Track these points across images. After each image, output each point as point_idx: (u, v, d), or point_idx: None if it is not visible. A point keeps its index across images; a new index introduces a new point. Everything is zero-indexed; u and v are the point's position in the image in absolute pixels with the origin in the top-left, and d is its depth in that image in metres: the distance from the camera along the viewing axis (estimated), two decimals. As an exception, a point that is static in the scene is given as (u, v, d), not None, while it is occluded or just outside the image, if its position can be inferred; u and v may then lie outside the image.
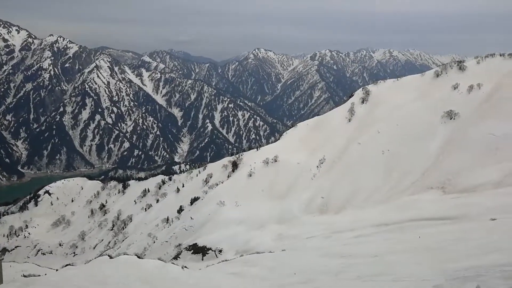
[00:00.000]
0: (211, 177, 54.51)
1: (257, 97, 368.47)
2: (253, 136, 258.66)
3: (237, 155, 54.97)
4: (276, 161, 44.53)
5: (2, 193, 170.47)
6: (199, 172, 62.20)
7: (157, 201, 63.77)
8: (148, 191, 69.79)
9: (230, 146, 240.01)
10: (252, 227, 34.35)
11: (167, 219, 48.87)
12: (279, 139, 56.09)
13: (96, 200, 79.97)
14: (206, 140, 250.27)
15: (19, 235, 74.10)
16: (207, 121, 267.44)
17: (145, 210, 62.77)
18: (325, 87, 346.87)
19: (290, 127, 56.76)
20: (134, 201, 69.56)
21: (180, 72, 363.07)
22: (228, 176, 49.12)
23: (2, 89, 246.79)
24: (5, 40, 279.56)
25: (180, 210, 48.89)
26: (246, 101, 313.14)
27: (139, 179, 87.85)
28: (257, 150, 53.43)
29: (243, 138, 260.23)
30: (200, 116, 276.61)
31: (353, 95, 51.91)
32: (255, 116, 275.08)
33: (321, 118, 52.99)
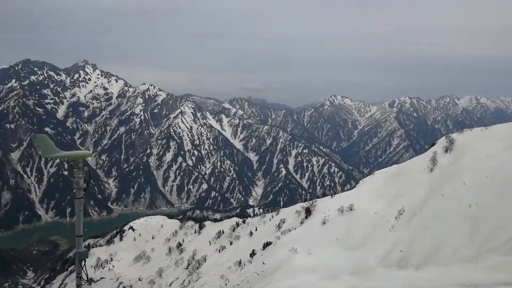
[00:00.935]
0: (283, 222, 54.26)
1: (332, 144, 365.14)
2: (328, 182, 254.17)
3: (310, 202, 54.36)
4: (351, 209, 43.32)
5: (93, 227, 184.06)
6: (272, 217, 62.27)
7: (231, 243, 64.59)
8: (223, 232, 71.01)
9: (303, 192, 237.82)
10: (325, 277, 33.27)
11: (240, 262, 49.16)
12: (355, 186, 54.70)
13: (174, 239, 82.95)
14: (280, 185, 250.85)
15: (104, 267, 78.80)
16: (281, 166, 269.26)
17: (219, 252, 63.77)
18: (405, 134, 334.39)
19: (367, 175, 55.27)
20: (209, 241, 71.05)
21: (257, 118, 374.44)
22: (301, 223, 48.56)
23: (100, 132, 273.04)
24: (105, 89, 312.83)
25: (253, 254, 49.00)
26: (321, 147, 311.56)
27: (215, 220, 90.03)
28: (332, 197, 52.48)
29: (317, 184, 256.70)
30: (275, 160, 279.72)
31: (435, 143, 49.49)
32: (330, 162, 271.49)
33: (401, 167, 50.95)
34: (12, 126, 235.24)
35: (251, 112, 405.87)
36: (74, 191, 9.92)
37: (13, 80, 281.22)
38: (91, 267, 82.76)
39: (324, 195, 67.82)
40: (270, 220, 61.69)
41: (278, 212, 63.92)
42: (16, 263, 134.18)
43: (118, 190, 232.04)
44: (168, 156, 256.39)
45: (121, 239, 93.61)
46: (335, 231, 40.54)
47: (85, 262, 10.39)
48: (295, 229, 47.36)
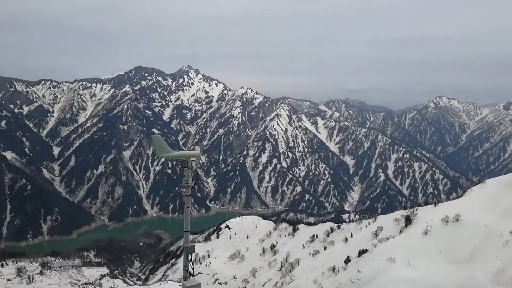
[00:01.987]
0: (381, 230, 51.74)
1: (437, 148, 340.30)
2: (430, 190, 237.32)
3: (411, 209, 51.10)
4: (458, 220, 39.67)
5: (191, 223, 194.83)
6: (369, 224, 59.77)
7: (325, 248, 63.51)
8: (317, 237, 70.16)
9: (403, 199, 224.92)
10: (426, 291, 30.84)
11: (333, 268, 48.01)
12: (462, 195, 50.09)
13: (268, 240, 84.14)
14: (378, 191, 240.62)
15: (202, 262, 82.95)
16: (380, 170, 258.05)
17: (312, 256, 63.09)
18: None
19: (477, 183, 50.24)
20: (303, 245, 70.72)
21: (354, 120, 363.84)
22: (400, 231, 45.81)
23: (201, 133, 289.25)
24: (206, 92, 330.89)
25: (347, 260, 47.51)
26: (423, 152, 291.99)
27: (308, 223, 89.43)
28: (435, 206, 48.66)
29: (419, 191, 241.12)
30: (373, 165, 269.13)
31: None
32: (433, 169, 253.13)
33: (518, 176, 45.37)
34: (125, 127, 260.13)
35: (348, 114, 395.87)
36: (183, 189, 10.45)
37: (127, 85, 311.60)
38: (189, 261, 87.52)
39: (426, 203, 63.28)
40: (366, 227, 59.33)
41: (375, 219, 61.21)
42: (125, 253, 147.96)
43: (216, 189, 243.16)
44: (264, 158, 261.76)
45: (217, 237, 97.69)
46: (438, 243, 37.44)
47: (191, 256, 10.89)
48: (393, 237, 44.86)
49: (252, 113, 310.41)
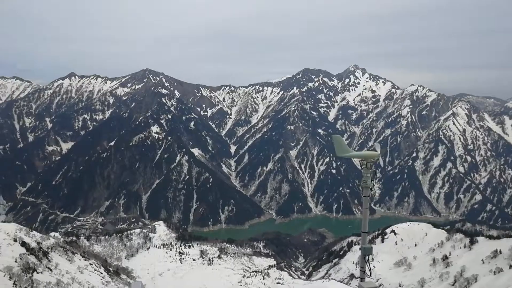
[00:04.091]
0: None
1: None
2: None
3: None
4: None
5: (356, 225, 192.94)
6: None
7: (510, 266, 55.54)
8: (500, 252, 61.75)
9: None
10: None
11: (521, 291, 41.70)
12: None
13: (440, 250, 77.67)
14: None
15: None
16: None
17: (494, 274, 55.89)
18: None
19: None
20: (482, 260, 63.18)
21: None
22: None
23: (366, 134, 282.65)
24: (373, 91, 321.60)
25: (540, 284, 40.65)
26: None
27: (490, 237, 79.01)
28: None
29: None
30: None
31: None
32: None
33: None
34: (292, 127, 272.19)
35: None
36: (362, 190, 10.65)
37: (294, 88, 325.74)
38: (353, 263, 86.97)
39: None
40: None
41: None
42: (291, 247, 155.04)
43: (382, 192, 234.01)
44: (436, 161, 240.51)
45: (382, 241, 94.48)
46: None
47: (369, 257, 11.00)
48: None
49: (423, 113, 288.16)
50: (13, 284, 41.58)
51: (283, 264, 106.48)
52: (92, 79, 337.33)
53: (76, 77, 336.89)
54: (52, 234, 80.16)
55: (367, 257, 10.75)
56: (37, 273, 48.13)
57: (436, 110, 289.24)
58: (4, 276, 43.17)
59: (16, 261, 47.88)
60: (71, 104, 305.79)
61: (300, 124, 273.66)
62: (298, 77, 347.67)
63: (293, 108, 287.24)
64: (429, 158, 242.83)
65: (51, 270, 51.70)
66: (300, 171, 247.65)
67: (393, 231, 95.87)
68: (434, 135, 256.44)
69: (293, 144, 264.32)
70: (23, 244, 54.13)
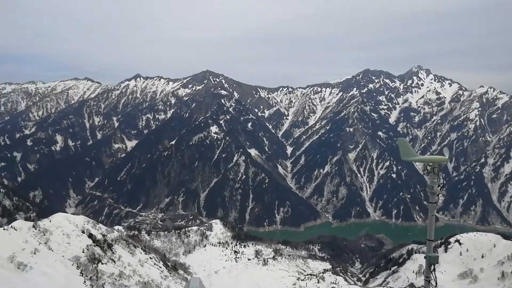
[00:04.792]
0: None
1: None
2: None
3: None
4: None
5: (417, 232, 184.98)
6: None
7: None
8: None
9: None
10: None
11: None
12: None
13: (509, 263, 72.14)
14: None
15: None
16: None
17: None
18: None
19: None
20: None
21: None
22: None
23: (429, 137, 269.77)
24: (437, 93, 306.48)
25: None
26: None
27: None
28: None
29: None
30: None
31: None
32: None
33: None
34: (351, 129, 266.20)
35: None
36: (429, 195, 10.08)
37: (354, 89, 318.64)
38: (413, 272, 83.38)
39: None
40: None
41: None
42: (347, 252, 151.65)
43: (446, 199, 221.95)
44: (507, 168, 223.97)
45: (445, 250, 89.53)
46: None
47: (434, 267, 10.33)
48: None
49: (494, 116, 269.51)
50: (80, 273, 44.32)
51: (338, 268, 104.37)
52: (155, 80, 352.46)
53: (141, 78, 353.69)
54: (116, 227, 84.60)
55: (432, 266, 10.09)
56: (102, 264, 51.01)
57: (508, 113, 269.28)
58: (72, 265, 46.14)
59: (83, 252, 51.06)
60: (136, 104, 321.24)
61: (360, 126, 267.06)
62: (358, 78, 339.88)
63: (352, 110, 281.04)
64: (500, 165, 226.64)
65: (114, 261, 54.55)
66: (359, 175, 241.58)
67: (457, 240, 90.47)
68: (506, 140, 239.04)
69: (351, 147, 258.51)
70: (90, 236, 57.65)
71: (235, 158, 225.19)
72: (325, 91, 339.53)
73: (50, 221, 56.13)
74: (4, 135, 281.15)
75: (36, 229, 51.26)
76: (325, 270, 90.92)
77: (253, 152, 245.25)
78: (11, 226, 51.34)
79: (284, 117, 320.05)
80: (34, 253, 44.92)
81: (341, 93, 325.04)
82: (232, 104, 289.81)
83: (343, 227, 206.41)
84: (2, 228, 51.20)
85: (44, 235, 51.01)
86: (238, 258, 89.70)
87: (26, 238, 48.16)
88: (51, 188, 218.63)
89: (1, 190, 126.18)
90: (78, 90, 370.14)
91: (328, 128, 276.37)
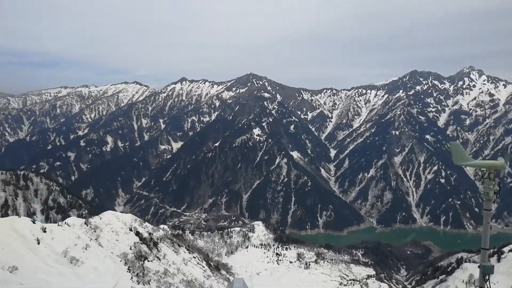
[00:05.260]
0: None
1: None
2: None
3: None
4: None
5: (467, 240, 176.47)
6: None
7: None
8: None
9: None
10: None
11: None
12: None
13: None
14: None
15: (477, 286, 74.03)
16: None
17: None
18: None
19: None
20: None
21: None
22: None
23: (481, 141, 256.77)
24: (491, 95, 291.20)
25: None
26: None
27: None
28: None
29: None
30: None
31: None
32: None
33: None
34: (397, 132, 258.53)
35: None
36: (484, 202, 9.61)
37: (400, 91, 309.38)
38: (462, 282, 79.75)
39: None
40: None
41: None
42: (392, 258, 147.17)
43: (499, 206, 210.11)
44: None
45: (498, 260, 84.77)
46: None
47: (489, 277, 9.76)
48: None
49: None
50: (128, 269, 46.06)
51: (383, 275, 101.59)
52: (200, 83, 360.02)
53: (187, 81, 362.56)
54: (161, 226, 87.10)
55: (487, 276, 9.52)
56: (148, 261, 52.74)
57: None
58: (120, 261, 48.04)
59: (130, 249, 53.01)
60: (182, 107, 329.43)
61: (406, 129, 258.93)
62: (404, 79, 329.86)
63: (398, 112, 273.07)
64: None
65: (159, 259, 56.24)
66: (405, 179, 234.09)
67: (511, 250, 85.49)
68: None
69: (397, 150, 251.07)
70: (137, 233, 59.75)
71: (277, 161, 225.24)
72: (370, 93, 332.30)
73: (100, 219, 58.78)
74: (60, 136, 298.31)
75: (87, 226, 53.86)
76: (369, 276, 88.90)
77: (295, 154, 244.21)
78: (65, 223, 54.23)
79: (328, 120, 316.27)
80: (86, 249, 47.23)
81: (387, 95, 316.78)
82: (274, 106, 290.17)
83: (387, 233, 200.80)
84: (57, 224, 54.21)
85: (95, 231, 53.47)
86: (280, 260, 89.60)
87: (78, 234, 50.73)
88: (102, 187, 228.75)
89: (57, 188, 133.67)
90: (127, 93, 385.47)
91: (373, 131, 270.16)
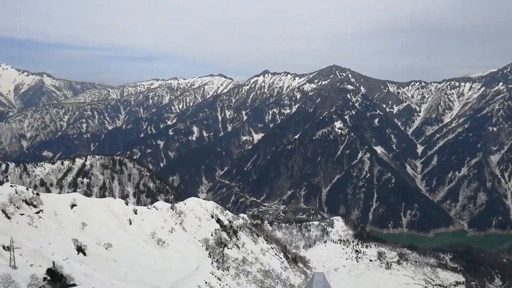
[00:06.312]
0: None
1: None
2: None
3: None
4: None
5: None
6: None
7: None
8: None
9: None
10: None
11: None
12: None
13: None
14: None
15: None
16: None
17: None
18: None
19: None
20: None
21: None
22: None
23: None
24: None
25: None
26: None
27: None
28: None
29: None
30: None
31: None
32: None
33: None
34: (495, 129, 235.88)
35: None
36: None
37: (500, 83, 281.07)
38: None
39: None
40: None
41: None
42: (485, 266, 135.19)
43: None
44: None
45: None
46: None
47: None
48: None
49: None
50: (209, 254, 47.74)
51: (474, 282, 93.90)
52: (282, 76, 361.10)
53: (269, 74, 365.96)
54: (241, 215, 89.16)
55: None
56: (228, 248, 54.19)
57: None
58: (202, 246, 49.94)
59: (212, 235, 54.88)
60: (263, 99, 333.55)
61: (506, 126, 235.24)
62: (505, 71, 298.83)
63: (497, 107, 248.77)
64: None
65: (238, 247, 57.50)
66: (503, 180, 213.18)
67: None
68: None
69: (495, 148, 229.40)
70: (218, 221, 61.72)
71: (359, 155, 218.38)
72: (464, 86, 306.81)
73: (185, 204, 61.70)
74: (151, 125, 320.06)
75: (173, 210, 56.76)
76: (458, 283, 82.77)
77: (379, 149, 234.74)
78: (154, 206, 57.70)
79: (415, 114, 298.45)
80: (171, 232, 49.75)
81: (484, 88, 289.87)
82: (358, 99, 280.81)
83: (480, 237, 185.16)
84: (147, 207, 57.82)
85: (180, 216, 56.15)
86: (359, 258, 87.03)
87: (165, 217, 53.62)
88: (187, 174, 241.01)
89: (147, 173, 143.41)
90: (213, 86, 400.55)
91: (466, 126, 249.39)
